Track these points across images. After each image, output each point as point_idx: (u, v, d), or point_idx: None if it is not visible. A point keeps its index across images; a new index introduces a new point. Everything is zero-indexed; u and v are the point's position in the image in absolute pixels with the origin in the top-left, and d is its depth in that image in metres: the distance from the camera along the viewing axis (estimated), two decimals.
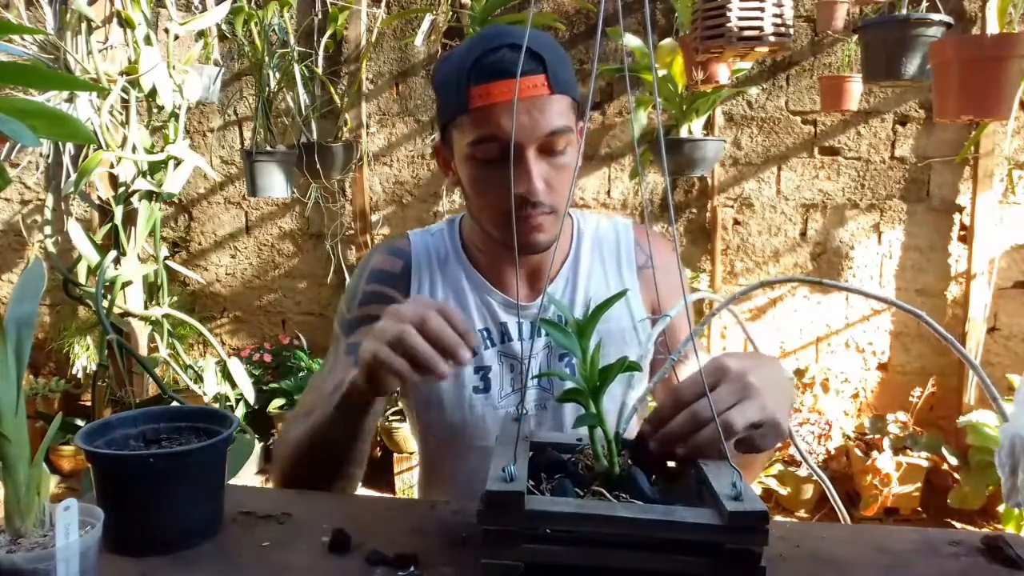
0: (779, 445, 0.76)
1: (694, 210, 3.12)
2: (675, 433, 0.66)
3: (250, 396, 2.20)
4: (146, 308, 2.04)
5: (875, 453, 2.80)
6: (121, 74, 1.87)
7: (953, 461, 2.78)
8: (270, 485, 0.97)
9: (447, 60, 0.93)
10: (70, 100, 1.79)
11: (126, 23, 1.87)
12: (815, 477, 0.82)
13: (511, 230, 0.88)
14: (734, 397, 0.67)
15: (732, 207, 3.09)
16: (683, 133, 2.44)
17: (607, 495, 0.62)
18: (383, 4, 3.04)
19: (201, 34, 2.33)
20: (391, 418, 3.04)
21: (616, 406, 0.77)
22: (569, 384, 0.69)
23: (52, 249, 1.95)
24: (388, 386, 0.78)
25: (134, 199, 1.95)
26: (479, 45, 0.88)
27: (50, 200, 1.95)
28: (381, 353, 0.73)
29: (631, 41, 2.48)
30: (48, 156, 1.92)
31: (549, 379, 1.03)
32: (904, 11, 1.76)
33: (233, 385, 2.36)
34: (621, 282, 1.06)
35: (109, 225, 1.93)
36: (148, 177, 1.94)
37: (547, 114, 0.87)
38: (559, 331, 0.67)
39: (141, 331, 2.03)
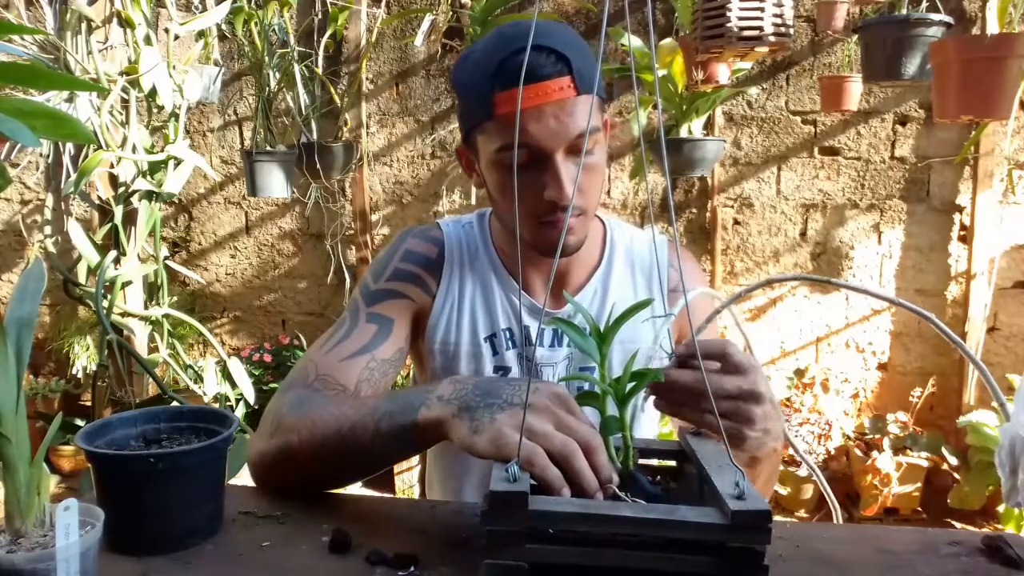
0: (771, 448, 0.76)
1: (694, 210, 3.12)
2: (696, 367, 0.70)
3: (250, 396, 2.20)
4: (146, 308, 2.04)
5: (875, 453, 2.80)
6: (121, 74, 1.87)
7: (953, 461, 2.78)
8: None
9: (467, 61, 0.91)
10: (70, 100, 1.79)
11: (126, 23, 1.87)
12: (814, 476, 0.81)
13: (541, 234, 0.91)
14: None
15: (732, 207, 3.09)
16: (683, 133, 2.44)
17: (618, 492, 0.62)
18: (383, 4, 3.04)
19: (201, 34, 2.33)
20: None
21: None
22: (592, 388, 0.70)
23: (52, 249, 1.95)
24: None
25: (134, 199, 1.94)
26: (501, 47, 0.85)
27: (50, 200, 1.95)
28: (537, 459, 0.62)
29: (631, 41, 2.48)
30: (48, 156, 1.92)
31: (568, 385, 1.00)
32: (904, 11, 1.76)
33: (233, 385, 2.35)
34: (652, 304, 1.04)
35: (109, 225, 1.93)
36: (148, 177, 1.94)
37: (574, 116, 0.85)
38: (577, 333, 0.67)
39: (141, 331, 2.02)
